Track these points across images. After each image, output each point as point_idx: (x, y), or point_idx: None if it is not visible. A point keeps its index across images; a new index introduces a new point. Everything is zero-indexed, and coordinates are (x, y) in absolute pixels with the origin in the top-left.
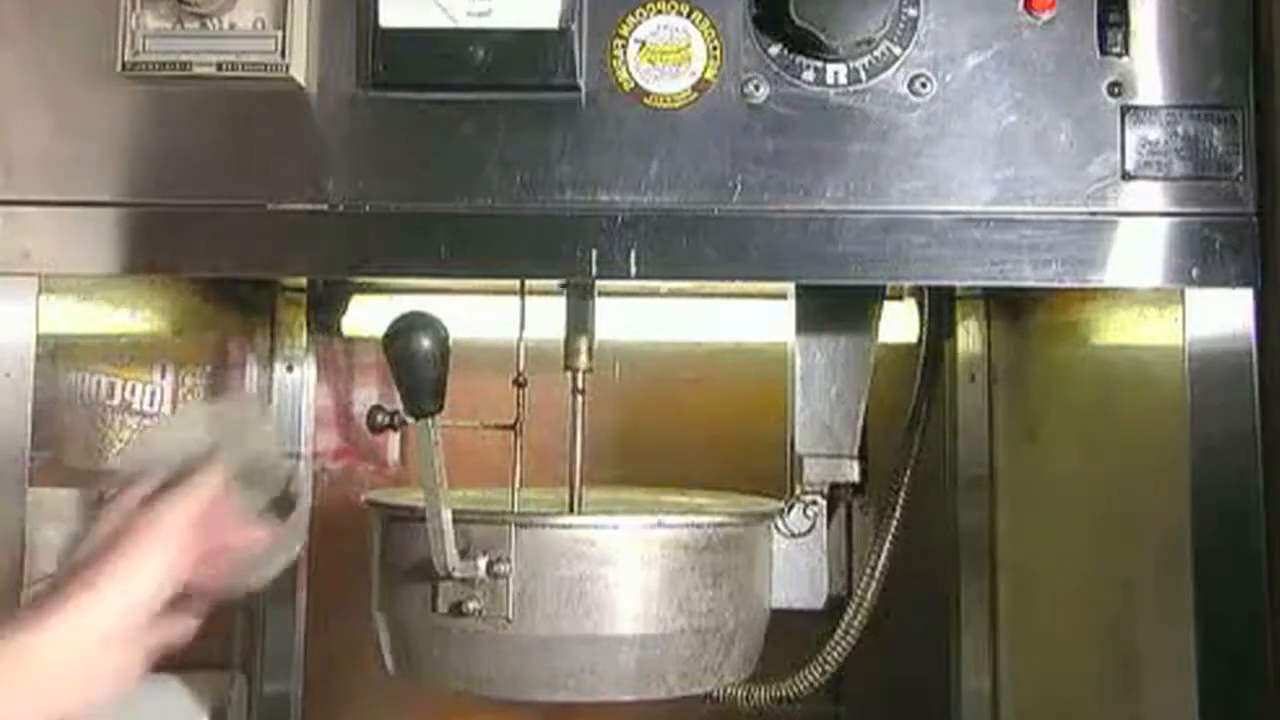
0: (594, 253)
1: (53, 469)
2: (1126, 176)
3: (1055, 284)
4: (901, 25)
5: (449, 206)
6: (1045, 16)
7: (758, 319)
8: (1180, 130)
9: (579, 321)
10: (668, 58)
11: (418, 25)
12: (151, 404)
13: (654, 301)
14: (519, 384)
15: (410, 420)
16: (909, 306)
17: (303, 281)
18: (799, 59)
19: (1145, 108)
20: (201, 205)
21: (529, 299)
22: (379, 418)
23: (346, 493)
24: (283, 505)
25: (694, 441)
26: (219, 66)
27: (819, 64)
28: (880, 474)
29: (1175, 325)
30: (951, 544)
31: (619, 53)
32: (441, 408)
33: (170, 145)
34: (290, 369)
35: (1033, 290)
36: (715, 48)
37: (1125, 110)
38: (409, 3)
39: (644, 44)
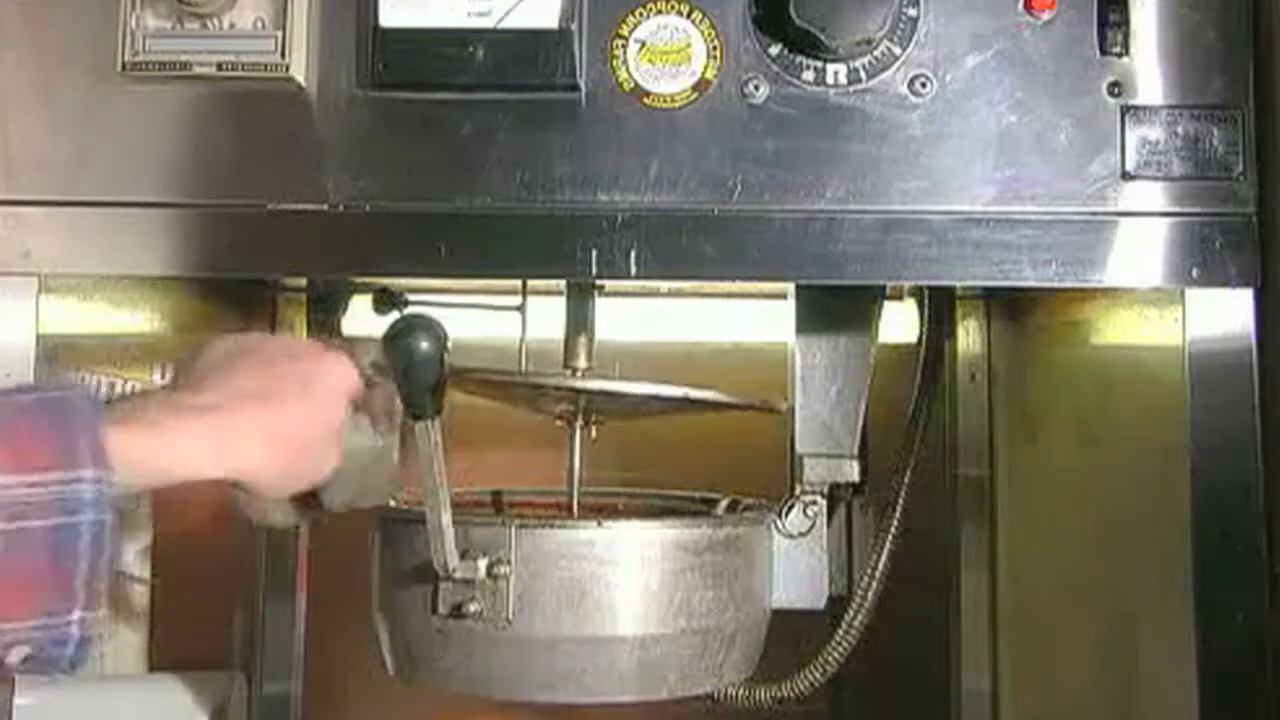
0: (594, 253)
1: None
2: (1126, 176)
3: (1055, 284)
4: (901, 25)
5: (449, 206)
6: (1045, 16)
7: (758, 319)
8: (1180, 130)
9: (579, 321)
10: (668, 58)
11: (418, 25)
12: None
13: (654, 301)
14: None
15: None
16: (909, 306)
17: (303, 281)
18: (799, 59)
19: (1145, 108)
20: (201, 205)
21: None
22: None
23: None
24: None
25: (693, 441)
26: (219, 66)
27: (819, 64)
28: (880, 474)
29: (1175, 325)
30: (951, 544)
31: (619, 53)
32: (441, 410)
33: (170, 145)
34: None
35: (1033, 290)
36: (715, 48)
37: (1125, 110)
38: (409, 3)
39: (644, 44)
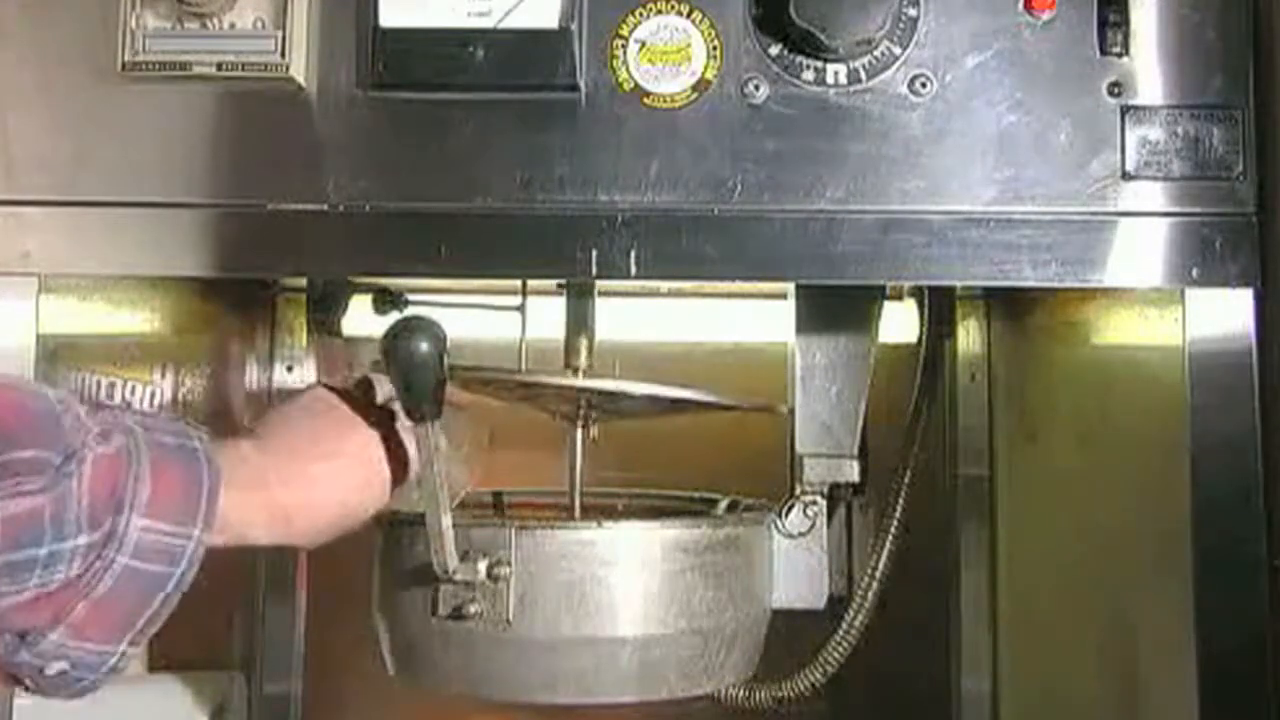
0: (594, 253)
1: None
2: (1126, 176)
3: (1055, 284)
4: (901, 25)
5: (449, 206)
6: (1045, 16)
7: (758, 319)
8: (1180, 130)
9: (579, 321)
10: (668, 58)
11: (418, 25)
12: (151, 404)
13: (654, 301)
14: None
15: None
16: (909, 306)
17: (303, 281)
18: (799, 59)
19: (1145, 108)
20: (201, 205)
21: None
22: None
23: None
24: None
25: (693, 441)
26: (219, 66)
27: (819, 64)
28: (880, 474)
29: (1175, 325)
30: (951, 544)
31: (619, 53)
32: (441, 411)
33: (170, 145)
34: (290, 369)
35: (1033, 290)
36: (715, 48)
37: (1125, 110)
38: (409, 3)
39: (644, 44)
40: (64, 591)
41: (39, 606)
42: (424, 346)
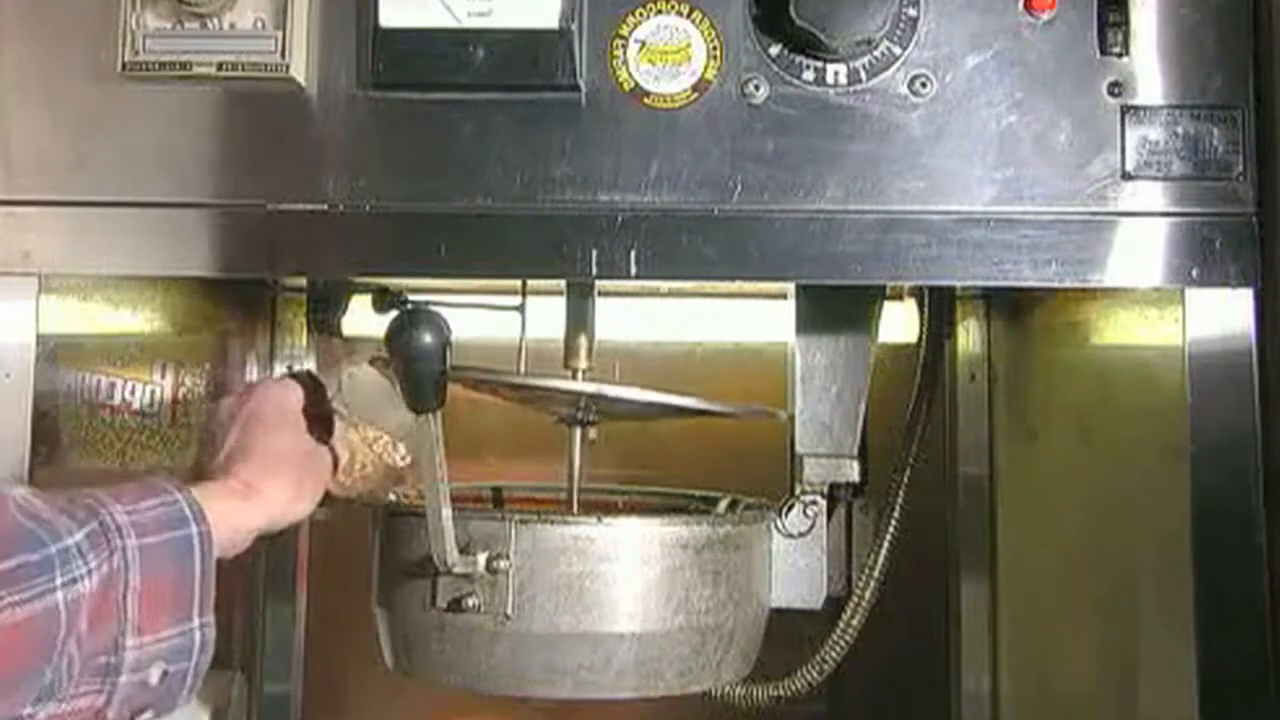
0: (594, 253)
1: (53, 469)
2: (1126, 176)
3: (1055, 284)
4: (901, 25)
5: (449, 206)
6: (1045, 16)
7: (758, 319)
8: (1180, 130)
9: (579, 321)
10: (668, 58)
11: (418, 25)
12: (151, 404)
13: (654, 301)
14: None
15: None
16: (909, 306)
17: (303, 281)
18: (799, 59)
19: (1145, 108)
20: (201, 205)
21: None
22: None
23: None
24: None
25: (694, 441)
26: (219, 66)
27: (819, 64)
28: (880, 474)
29: (1175, 325)
30: (951, 544)
31: (619, 53)
32: (443, 403)
33: (170, 145)
34: (290, 369)
35: (1033, 290)
36: (715, 48)
37: (1125, 110)
38: (409, 3)
39: (644, 44)
40: (102, 595)
41: (96, 623)
42: (427, 338)
